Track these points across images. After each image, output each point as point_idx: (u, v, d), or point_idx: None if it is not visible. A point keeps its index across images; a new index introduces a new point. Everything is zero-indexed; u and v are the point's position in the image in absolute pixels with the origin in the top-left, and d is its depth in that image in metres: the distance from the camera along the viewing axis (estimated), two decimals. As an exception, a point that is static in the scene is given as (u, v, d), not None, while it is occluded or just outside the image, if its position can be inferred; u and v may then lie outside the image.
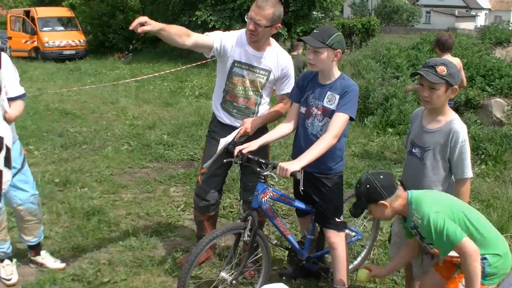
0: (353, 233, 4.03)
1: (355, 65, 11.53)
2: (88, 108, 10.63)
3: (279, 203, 4.51)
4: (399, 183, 2.89)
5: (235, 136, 3.55)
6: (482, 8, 59.90)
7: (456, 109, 8.77)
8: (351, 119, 3.22)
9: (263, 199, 3.28)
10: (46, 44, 21.25)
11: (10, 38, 25.29)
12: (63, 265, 4.18)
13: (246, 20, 3.56)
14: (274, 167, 3.12)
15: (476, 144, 7.23)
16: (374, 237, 4.28)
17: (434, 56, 7.78)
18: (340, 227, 3.46)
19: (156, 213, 5.20)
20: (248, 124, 3.62)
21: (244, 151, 3.27)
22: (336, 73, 3.32)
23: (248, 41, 3.64)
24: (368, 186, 2.82)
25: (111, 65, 19.39)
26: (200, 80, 14.23)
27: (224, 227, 3.35)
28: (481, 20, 54.85)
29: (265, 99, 3.85)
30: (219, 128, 3.88)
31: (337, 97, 3.22)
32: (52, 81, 14.15)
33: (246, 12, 13.32)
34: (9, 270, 3.97)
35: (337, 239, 3.44)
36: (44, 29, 22.53)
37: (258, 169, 3.21)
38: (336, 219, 3.43)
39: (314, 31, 3.26)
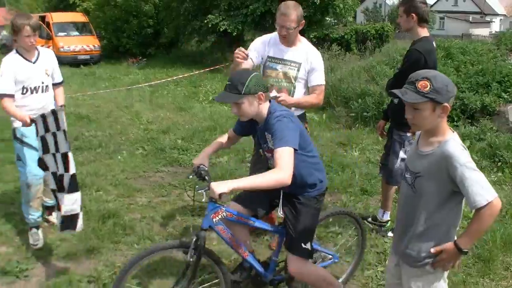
0: (329, 256, 3.85)
1: (369, 71, 11.50)
2: (102, 112, 10.70)
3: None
4: None
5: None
6: (497, 14, 59.70)
7: (472, 116, 8.71)
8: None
9: (214, 219, 3.09)
10: (61, 49, 21.33)
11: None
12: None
13: (276, 27, 4.12)
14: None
15: (492, 151, 7.17)
16: (359, 257, 4.06)
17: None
18: (305, 254, 3.28)
19: (171, 217, 5.22)
20: (285, 96, 3.99)
21: (194, 162, 3.37)
22: (265, 112, 3.12)
23: (280, 41, 4.20)
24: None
25: (125, 70, 19.48)
26: (214, 85, 14.25)
27: (166, 243, 3.35)
28: (496, 26, 54.59)
29: (299, 91, 4.22)
30: None
31: (270, 136, 3.09)
32: (67, 86, 14.25)
33: (258, 17, 13.52)
34: (36, 238, 4.63)
35: (298, 266, 3.27)
36: (59, 34, 22.68)
37: (197, 186, 3.09)
38: (303, 244, 3.25)
39: (227, 82, 3.08)
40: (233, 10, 19.34)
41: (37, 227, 4.69)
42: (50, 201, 4.95)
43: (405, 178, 2.69)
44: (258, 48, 4.29)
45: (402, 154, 4.57)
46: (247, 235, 3.68)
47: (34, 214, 4.63)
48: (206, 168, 3.28)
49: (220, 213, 3.11)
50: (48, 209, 5.05)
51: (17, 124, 4.41)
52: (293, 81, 4.20)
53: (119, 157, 7.31)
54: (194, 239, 3.03)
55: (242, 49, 3.95)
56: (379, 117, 8.97)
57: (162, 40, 24.50)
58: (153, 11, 23.84)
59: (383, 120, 5.07)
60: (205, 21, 19.19)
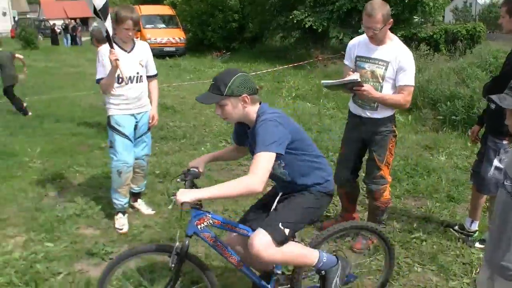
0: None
1: (459, 73, 11.06)
2: (187, 104, 10.92)
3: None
4: None
5: (353, 80, 3.92)
6: None
7: None
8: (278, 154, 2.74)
9: (198, 226, 2.90)
10: (149, 41, 21.87)
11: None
12: (153, 212, 5.17)
13: (362, 28, 4.06)
14: None
15: None
16: (384, 280, 3.65)
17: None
18: (277, 235, 2.87)
19: (252, 212, 5.21)
20: (369, 88, 3.95)
21: (190, 163, 3.27)
22: (254, 115, 2.93)
23: (369, 40, 4.11)
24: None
25: (209, 63, 19.85)
26: (297, 82, 14.17)
27: (148, 246, 3.25)
28: None
29: (387, 91, 4.09)
30: (350, 118, 4.47)
31: None
32: (153, 76, 14.64)
33: (344, 14, 13.31)
34: (122, 222, 4.82)
35: (262, 245, 2.83)
36: (147, 26, 23.40)
37: (173, 191, 2.96)
38: (281, 224, 2.89)
39: (212, 81, 2.93)
40: (319, 6, 19.20)
41: (123, 213, 4.85)
42: (137, 188, 5.12)
43: (503, 185, 2.47)
44: (349, 55, 4.31)
45: (496, 163, 4.33)
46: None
47: (122, 200, 4.78)
48: (196, 172, 3.17)
49: (205, 219, 2.92)
50: (134, 196, 5.20)
51: (112, 112, 4.59)
52: (380, 80, 4.08)
53: (203, 148, 7.42)
54: (176, 245, 2.91)
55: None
56: (469, 122, 8.68)
57: (246, 35, 24.74)
58: (238, 5, 24.12)
59: (477, 125, 4.82)
60: (290, 17, 19.18)
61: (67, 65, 20.44)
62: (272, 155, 2.68)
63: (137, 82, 4.60)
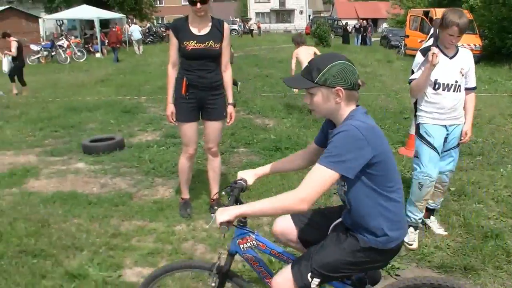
0: None
1: None
2: (483, 117, 9.98)
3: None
4: None
5: None
6: None
7: None
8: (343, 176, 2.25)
9: (241, 246, 2.61)
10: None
11: (407, 36, 26.45)
12: (445, 233, 4.70)
13: None
14: None
15: None
16: None
17: None
18: (300, 281, 2.43)
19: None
20: None
21: (239, 174, 2.89)
22: (344, 114, 2.41)
23: None
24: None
25: (507, 74, 18.14)
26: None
27: (186, 262, 3.04)
28: None
29: None
30: None
31: None
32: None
33: None
34: (413, 237, 4.52)
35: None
36: (443, 30, 22.56)
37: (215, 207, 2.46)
38: (309, 274, 2.43)
39: (306, 64, 2.45)
40: None
41: (415, 228, 4.57)
42: (433, 204, 4.79)
43: None
44: None
45: None
46: None
47: (417, 215, 4.52)
48: (243, 185, 2.77)
49: (248, 240, 2.62)
50: (427, 211, 4.83)
51: (423, 120, 4.40)
52: None
53: (502, 169, 6.61)
54: (217, 263, 2.65)
55: None
56: None
57: None
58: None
59: None
60: None
61: (356, 64, 20.83)
62: (333, 175, 2.24)
63: (454, 91, 4.26)
